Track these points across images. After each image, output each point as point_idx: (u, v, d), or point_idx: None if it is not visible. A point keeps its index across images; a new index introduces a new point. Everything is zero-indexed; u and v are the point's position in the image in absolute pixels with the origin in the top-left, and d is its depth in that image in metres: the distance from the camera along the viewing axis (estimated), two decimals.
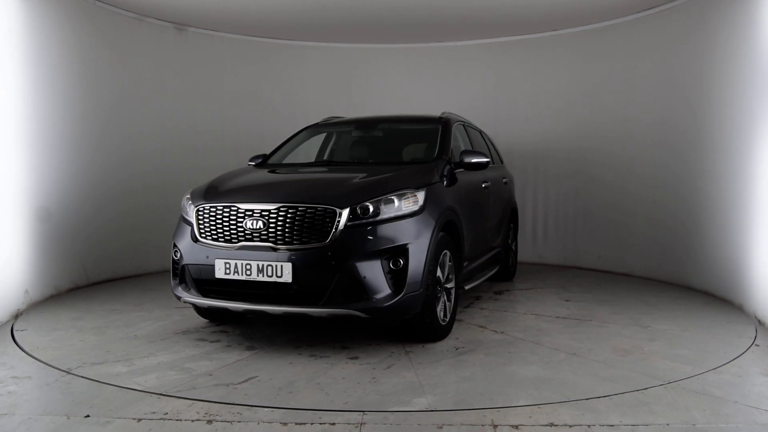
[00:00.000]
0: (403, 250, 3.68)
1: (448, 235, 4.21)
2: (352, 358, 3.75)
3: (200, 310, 4.49)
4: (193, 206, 4.06)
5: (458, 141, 5.24)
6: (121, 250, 6.46)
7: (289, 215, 3.69)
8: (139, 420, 2.81)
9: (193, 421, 2.81)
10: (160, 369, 3.57)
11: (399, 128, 5.52)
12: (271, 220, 3.72)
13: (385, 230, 3.69)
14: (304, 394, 3.14)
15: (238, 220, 3.79)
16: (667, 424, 2.78)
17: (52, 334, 4.29)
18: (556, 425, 2.77)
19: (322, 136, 5.68)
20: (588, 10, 6.67)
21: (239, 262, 3.71)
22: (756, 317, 4.77)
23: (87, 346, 4.02)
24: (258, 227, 3.73)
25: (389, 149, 5.26)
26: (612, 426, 2.76)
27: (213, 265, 3.79)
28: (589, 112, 7.27)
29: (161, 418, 2.83)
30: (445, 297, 4.18)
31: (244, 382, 3.34)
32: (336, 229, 3.62)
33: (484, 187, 5.27)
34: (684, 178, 6.13)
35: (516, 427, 2.76)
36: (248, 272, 3.69)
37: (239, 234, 3.79)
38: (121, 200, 6.48)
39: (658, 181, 6.52)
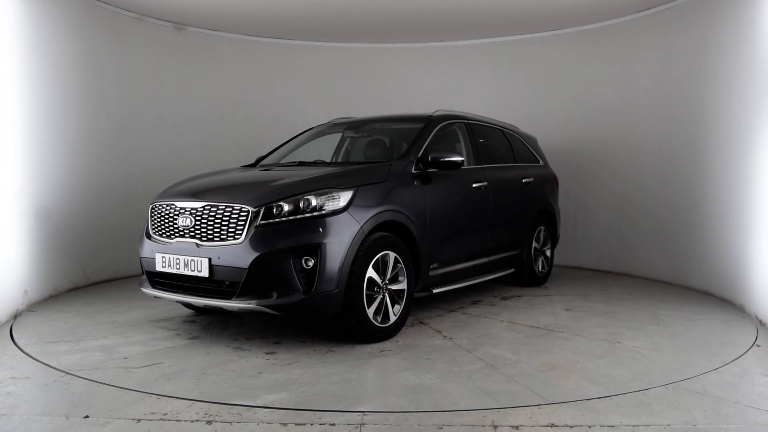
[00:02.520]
0: (313, 249, 3.72)
1: (396, 235, 4.21)
2: (268, 353, 3.87)
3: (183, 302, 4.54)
4: (150, 204, 4.37)
5: (448, 140, 5.24)
6: (121, 251, 6.45)
7: (210, 213, 3.92)
8: (139, 420, 2.81)
9: (192, 421, 2.80)
10: (91, 350, 3.95)
11: (387, 128, 5.48)
12: (197, 218, 3.96)
13: (297, 229, 3.76)
14: (176, 382, 3.32)
15: (174, 217, 4.08)
16: (668, 425, 2.77)
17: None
18: (557, 426, 2.76)
19: (325, 136, 5.69)
20: (588, 10, 6.66)
21: (172, 257, 4.01)
22: (757, 317, 4.76)
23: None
24: (187, 224, 3.99)
25: (375, 149, 5.27)
26: (613, 426, 2.75)
27: (155, 259, 4.12)
28: (588, 112, 7.26)
29: (161, 419, 2.82)
30: (388, 299, 4.13)
31: (143, 366, 3.59)
32: (249, 227, 3.76)
33: (477, 187, 5.15)
34: (684, 178, 6.13)
35: (516, 427, 2.75)
36: (178, 266, 3.98)
37: (175, 230, 4.06)
38: (120, 200, 6.47)
39: (659, 181, 6.51)
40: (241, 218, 3.80)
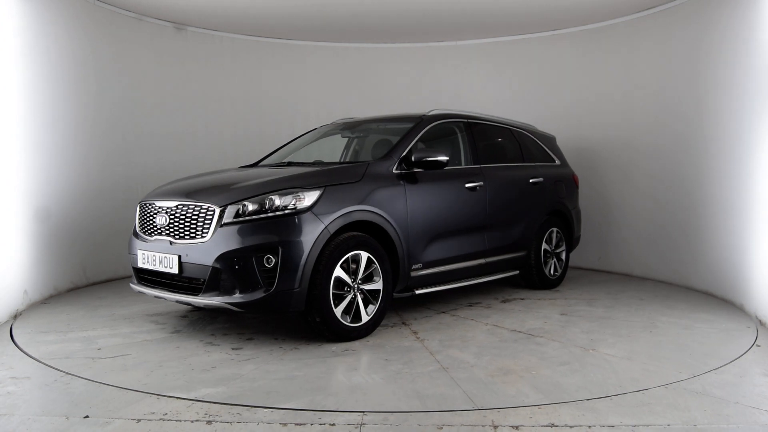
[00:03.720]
0: (274, 248, 3.78)
1: (371, 235, 4.23)
2: (235, 349, 3.96)
3: None
4: (138, 203, 4.55)
5: (442, 139, 5.23)
6: (121, 250, 6.42)
7: (182, 212, 4.07)
8: (139, 420, 2.80)
9: (192, 421, 2.80)
10: (73, 340, 4.15)
11: (381, 128, 5.47)
12: (171, 217, 4.12)
13: (259, 228, 3.83)
14: (127, 373, 3.46)
15: (154, 216, 4.25)
16: (668, 425, 2.77)
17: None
18: (557, 426, 2.76)
19: (328, 137, 5.71)
20: (588, 10, 6.66)
21: (149, 253, 4.18)
22: (757, 317, 4.76)
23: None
24: (163, 223, 4.15)
25: (366, 149, 5.27)
26: (613, 426, 2.75)
27: (137, 255, 4.30)
28: (588, 112, 7.27)
29: (161, 419, 2.82)
30: (360, 299, 4.14)
31: (108, 357, 3.77)
32: (214, 226, 3.87)
33: (472, 187, 5.08)
34: (684, 178, 6.13)
35: (516, 427, 2.75)
36: (154, 263, 4.15)
37: (154, 228, 4.23)
38: (120, 200, 6.47)
39: (658, 181, 6.52)
40: (208, 217, 3.93)
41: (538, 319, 4.82)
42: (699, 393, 3.18)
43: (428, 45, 8.07)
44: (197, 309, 4.93)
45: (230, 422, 2.79)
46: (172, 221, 4.10)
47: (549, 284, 6.03)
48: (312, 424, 2.77)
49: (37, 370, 3.55)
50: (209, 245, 3.86)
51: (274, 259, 3.79)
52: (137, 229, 4.43)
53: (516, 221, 5.58)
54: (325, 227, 3.93)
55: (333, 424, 2.77)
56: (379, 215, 4.27)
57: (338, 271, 4.00)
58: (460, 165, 5.25)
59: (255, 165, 5.34)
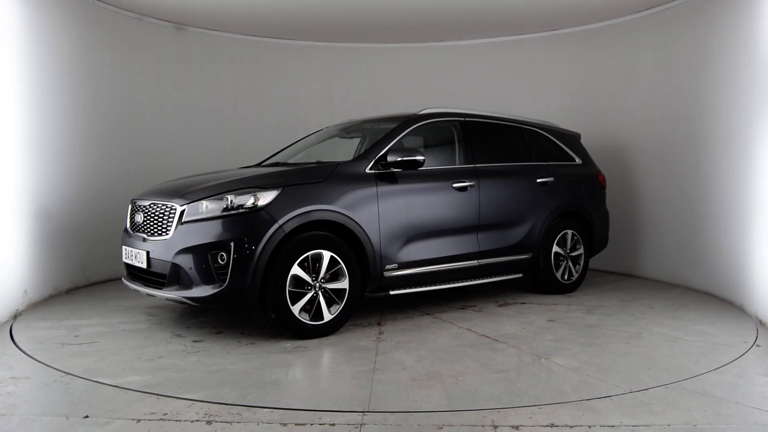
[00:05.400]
0: (226, 245, 3.93)
1: (337, 234, 4.28)
2: (196, 341, 4.16)
3: None
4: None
5: (433, 138, 5.22)
6: (120, 250, 6.44)
7: (152, 210, 4.32)
8: (139, 421, 2.80)
9: (192, 421, 2.80)
10: (60, 327, 4.48)
11: (375, 128, 5.40)
12: (145, 215, 4.38)
13: (215, 226, 3.99)
14: (75, 359, 3.72)
15: (134, 213, 4.52)
16: (668, 425, 2.77)
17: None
18: (557, 426, 2.76)
19: (331, 138, 5.73)
20: (588, 10, 6.66)
21: (129, 249, 4.45)
22: (757, 318, 4.76)
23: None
24: (140, 220, 4.42)
25: (357, 150, 5.27)
26: (613, 427, 2.75)
27: (122, 251, 4.59)
28: (588, 112, 7.27)
29: (161, 419, 2.82)
30: (321, 297, 4.18)
31: (77, 344, 4.06)
32: (176, 224, 4.09)
33: (461, 187, 4.98)
34: (684, 178, 6.13)
35: (516, 427, 2.75)
36: (131, 258, 4.42)
37: (134, 225, 4.51)
38: (120, 200, 6.44)
39: (659, 181, 6.52)
40: (171, 216, 4.15)
41: (519, 324, 4.64)
42: (699, 393, 3.18)
43: (428, 45, 8.07)
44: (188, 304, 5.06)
45: (230, 422, 2.79)
46: (145, 219, 4.36)
47: (561, 289, 5.76)
48: (312, 424, 2.77)
49: (37, 370, 3.55)
50: (170, 242, 4.08)
51: (226, 256, 3.93)
52: (126, 226, 4.68)
53: (517, 222, 5.40)
54: (280, 226, 4.02)
55: (333, 424, 2.77)
56: (343, 215, 4.30)
57: (296, 270, 4.08)
58: (454, 164, 5.15)
59: (258, 165, 5.36)
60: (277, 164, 5.12)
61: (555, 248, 5.69)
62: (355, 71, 8.14)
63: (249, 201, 4.02)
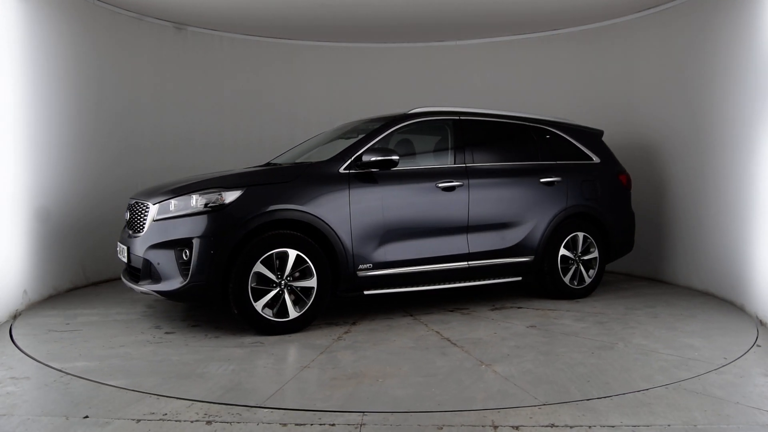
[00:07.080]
0: (188, 243, 4.13)
1: (307, 234, 4.36)
2: (167, 333, 4.37)
3: None
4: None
5: (424, 138, 5.22)
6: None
7: (135, 209, 4.56)
8: (138, 421, 2.80)
9: (192, 421, 2.80)
10: (58, 316, 4.80)
11: (368, 128, 5.29)
12: (131, 213, 4.64)
13: (180, 224, 4.20)
14: (46, 345, 4.02)
15: (126, 211, 4.77)
16: (668, 425, 2.77)
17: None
18: (557, 426, 2.76)
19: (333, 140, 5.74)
20: (588, 10, 6.66)
21: (119, 246, 4.71)
22: (757, 318, 4.76)
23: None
24: (128, 218, 4.68)
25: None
26: (613, 427, 2.75)
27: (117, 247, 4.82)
28: (588, 112, 7.25)
29: (160, 419, 2.82)
30: (287, 295, 4.26)
31: (62, 331, 4.34)
32: (149, 221, 4.32)
33: (448, 187, 4.90)
34: (684, 178, 6.13)
35: (516, 428, 2.75)
36: (120, 254, 4.69)
37: (126, 223, 4.76)
38: (120, 200, 6.44)
39: (659, 181, 6.51)
40: (145, 214, 4.38)
41: (493, 330, 4.46)
42: (699, 393, 3.18)
43: (428, 45, 8.06)
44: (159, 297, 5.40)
45: (230, 422, 2.79)
46: (131, 217, 4.62)
47: (571, 294, 5.48)
48: (312, 425, 2.77)
49: (36, 370, 3.55)
50: (143, 239, 4.32)
51: (189, 253, 4.12)
52: (126, 225, 4.86)
53: (515, 223, 5.21)
54: (241, 225, 4.15)
55: (333, 425, 2.77)
56: (310, 214, 4.35)
57: (259, 267, 4.19)
58: (445, 164, 5.06)
59: (264, 165, 5.39)
60: (268, 163, 5.27)
61: (562, 251, 5.43)
62: (355, 71, 8.13)
63: (214, 200, 4.20)
